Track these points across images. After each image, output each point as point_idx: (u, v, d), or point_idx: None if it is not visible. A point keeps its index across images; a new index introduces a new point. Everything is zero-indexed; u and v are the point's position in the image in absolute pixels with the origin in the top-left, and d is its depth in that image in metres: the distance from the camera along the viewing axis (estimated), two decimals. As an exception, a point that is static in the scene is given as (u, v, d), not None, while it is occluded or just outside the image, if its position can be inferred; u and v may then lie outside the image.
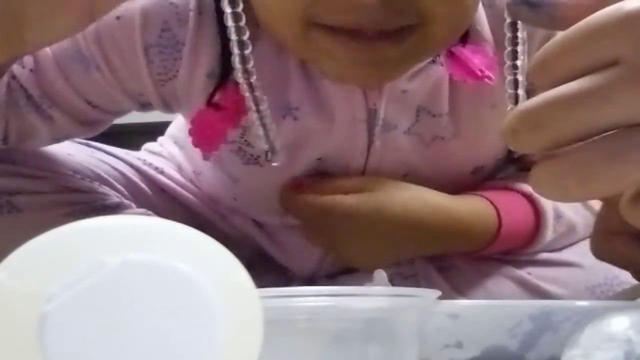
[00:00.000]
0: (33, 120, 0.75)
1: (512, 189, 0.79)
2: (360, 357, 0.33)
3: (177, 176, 0.92)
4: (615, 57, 0.31)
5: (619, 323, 0.32)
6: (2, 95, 0.71)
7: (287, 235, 0.85)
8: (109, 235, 0.28)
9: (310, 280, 0.86)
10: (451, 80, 0.75)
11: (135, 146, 0.99)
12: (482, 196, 0.79)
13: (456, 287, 0.82)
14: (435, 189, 0.78)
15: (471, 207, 0.78)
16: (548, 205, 0.78)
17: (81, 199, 0.78)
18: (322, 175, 0.79)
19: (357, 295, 0.35)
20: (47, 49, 0.73)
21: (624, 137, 0.32)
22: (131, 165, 0.88)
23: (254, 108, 0.66)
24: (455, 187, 0.81)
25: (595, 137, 0.32)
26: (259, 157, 0.77)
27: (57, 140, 0.79)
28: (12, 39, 0.57)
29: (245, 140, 0.76)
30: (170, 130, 0.99)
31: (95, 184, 0.80)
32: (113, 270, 0.27)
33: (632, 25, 0.31)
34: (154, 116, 1.01)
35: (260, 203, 0.82)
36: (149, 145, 0.98)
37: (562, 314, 0.34)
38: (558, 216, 0.79)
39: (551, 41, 0.33)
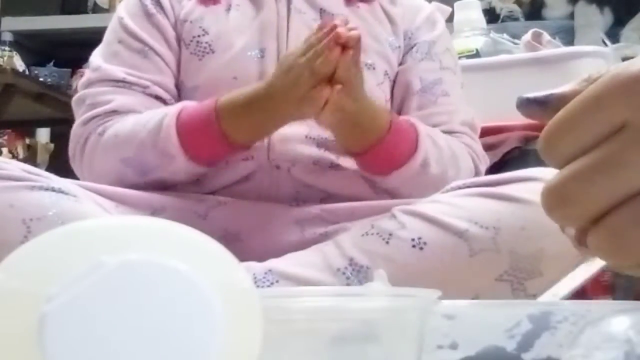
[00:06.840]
0: None
1: (412, 123, 0.98)
2: (360, 357, 0.33)
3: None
4: (621, 123, 0.32)
5: (619, 323, 0.31)
6: None
7: None
8: (109, 235, 0.28)
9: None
10: None
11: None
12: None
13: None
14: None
15: (372, 103, 0.95)
16: (424, 143, 0.97)
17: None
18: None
19: (357, 295, 0.35)
20: None
21: None
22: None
23: None
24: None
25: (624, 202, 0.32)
26: (211, 42, 1.05)
27: None
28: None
29: (202, 29, 1.06)
30: None
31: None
32: (113, 270, 0.27)
33: (632, 90, 0.32)
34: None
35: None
36: None
37: (561, 314, 0.34)
38: (425, 163, 0.96)
39: (554, 119, 0.34)
